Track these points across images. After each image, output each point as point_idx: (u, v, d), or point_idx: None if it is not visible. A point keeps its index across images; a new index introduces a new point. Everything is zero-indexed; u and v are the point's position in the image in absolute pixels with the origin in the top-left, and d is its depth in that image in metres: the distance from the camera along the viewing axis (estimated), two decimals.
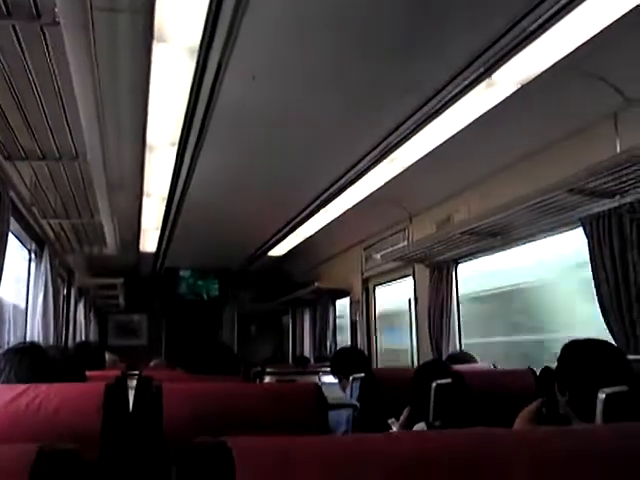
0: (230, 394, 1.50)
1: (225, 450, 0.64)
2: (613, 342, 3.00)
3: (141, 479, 1.42)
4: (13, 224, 3.56)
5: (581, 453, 0.76)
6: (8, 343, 4.19)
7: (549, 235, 3.91)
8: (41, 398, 1.33)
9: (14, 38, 2.01)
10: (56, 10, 1.77)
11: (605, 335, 3.04)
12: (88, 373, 1.97)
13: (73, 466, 0.73)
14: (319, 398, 1.46)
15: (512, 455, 0.74)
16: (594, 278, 3.20)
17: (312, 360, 7.66)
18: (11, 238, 3.44)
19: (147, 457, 1.40)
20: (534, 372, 2.68)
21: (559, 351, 1.90)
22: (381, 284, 6.63)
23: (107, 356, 5.16)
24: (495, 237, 4.06)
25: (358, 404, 1.99)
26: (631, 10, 2.38)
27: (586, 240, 3.26)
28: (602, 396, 1.68)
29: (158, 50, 2.72)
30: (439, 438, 0.76)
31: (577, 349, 1.88)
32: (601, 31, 2.54)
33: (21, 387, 1.36)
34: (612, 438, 0.81)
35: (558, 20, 2.50)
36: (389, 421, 2.73)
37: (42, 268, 4.58)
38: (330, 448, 0.69)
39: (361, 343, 6.69)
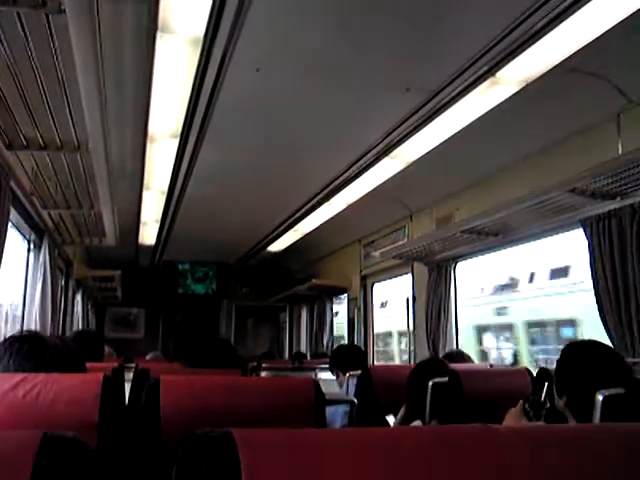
0: (228, 387, 1.50)
1: (230, 440, 0.64)
2: (611, 344, 3.01)
3: (139, 469, 1.42)
4: (13, 214, 3.55)
5: (578, 450, 0.76)
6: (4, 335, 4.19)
7: (549, 235, 3.91)
8: (39, 388, 1.33)
9: (18, 26, 2.00)
10: None
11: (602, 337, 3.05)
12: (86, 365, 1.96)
13: (76, 453, 0.73)
14: (317, 393, 1.46)
15: (511, 450, 0.74)
16: (593, 280, 3.20)
17: (309, 356, 7.68)
18: (10, 228, 3.43)
19: (144, 448, 1.40)
20: (530, 372, 2.69)
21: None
22: (379, 281, 6.64)
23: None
24: (496, 236, 4.06)
25: (356, 400, 1.99)
26: (635, 12, 2.37)
27: (586, 241, 3.26)
28: (600, 398, 1.69)
29: (162, 41, 2.71)
30: (443, 432, 0.76)
31: (577, 351, 1.89)
32: (605, 32, 2.54)
33: (19, 376, 1.36)
34: (609, 436, 0.82)
35: (562, 20, 2.50)
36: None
37: (41, 259, 4.58)
38: (334, 440, 0.69)
39: (358, 340, 6.69)
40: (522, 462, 0.73)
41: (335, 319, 8.00)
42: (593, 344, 1.90)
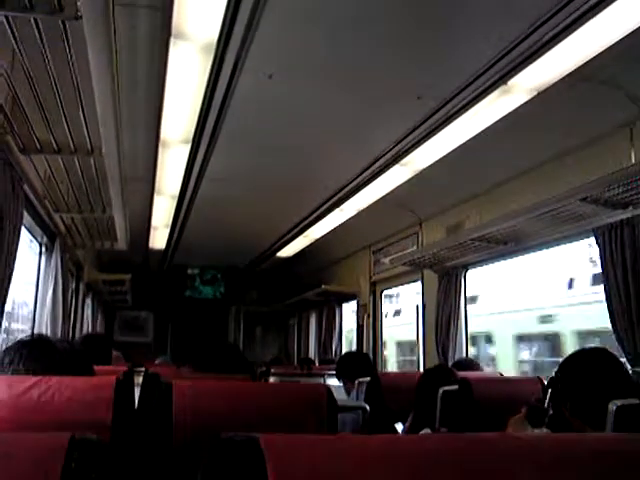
0: (241, 392, 1.50)
1: (256, 446, 0.64)
2: (622, 353, 2.99)
3: (151, 470, 1.42)
4: (25, 217, 3.58)
5: (586, 457, 0.76)
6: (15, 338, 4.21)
7: (561, 244, 3.90)
8: (53, 390, 1.34)
9: (35, 31, 2.02)
10: (78, 4, 1.78)
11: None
12: (95, 368, 1.97)
13: (101, 455, 0.74)
14: (330, 399, 1.46)
15: (521, 459, 0.74)
16: (605, 289, 3.18)
17: (317, 362, 7.67)
18: (23, 231, 3.46)
19: (156, 450, 1.41)
20: (541, 380, 2.67)
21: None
22: (389, 288, 6.63)
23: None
24: (506, 244, 4.05)
25: (368, 407, 1.98)
26: None
27: (598, 250, 3.25)
28: (613, 408, 1.67)
29: (175, 47, 2.74)
30: (458, 440, 0.76)
31: (582, 359, 1.88)
32: (619, 41, 2.53)
33: (33, 379, 1.37)
34: (617, 444, 0.81)
35: (575, 29, 2.50)
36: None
37: (52, 262, 4.60)
38: (362, 447, 0.69)
39: (367, 347, 6.68)
40: (535, 473, 0.73)
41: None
42: (598, 352, 1.90)
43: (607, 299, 3.17)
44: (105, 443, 0.77)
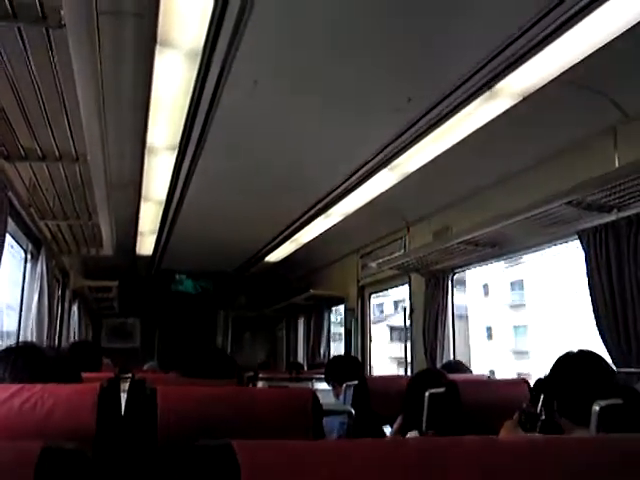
0: (226, 398, 1.50)
1: (230, 452, 0.64)
2: (607, 355, 3.02)
3: (135, 478, 1.42)
4: (10, 224, 3.56)
5: (578, 461, 0.77)
6: None
7: (546, 247, 3.93)
8: (35, 398, 1.33)
9: (18, 39, 2.01)
10: (62, 13, 1.78)
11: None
12: (82, 375, 1.96)
13: (76, 464, 0.73)
14: (315, 404, 1.47)
15: (513, 462, 0.75)
16: (590, 292, 3.21)
17: (305, 367, 7.66)
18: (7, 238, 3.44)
19: (141, 458, 1.40)
20: (528, 383, 2.69)
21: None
22: (377, 292, 6.64)
23: None
24: (493, 247, 4.08)
25: (353, 411, 1.99)
26: (633, 27, 2.40)
27: (583, 253, 3.28)
28: (597, 408, 1.70)
29: (160, 54, 2.73)
30: (443, 444, 0.76)
31: (569, 361, 1.91)
32: (603, 46, 2.56)
33: (14, 387, 1.36)
34: (607, 447, 0.82)
35: (559, 35, 2.52)
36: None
37: (38, 269, 4.57)
38: (337, 452, 0.70)
39: (355, 351, 6.68)
40: (523, 474, 0.74)
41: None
42: (585, 354, 1.93)
43: (592, 301, 3.19)
44: (84, 452, 0.76)
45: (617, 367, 2.95)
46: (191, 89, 3.08)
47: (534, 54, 2.67)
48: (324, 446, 0.75)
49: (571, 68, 2.75)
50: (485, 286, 30.90)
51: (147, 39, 2.61)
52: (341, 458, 0.68)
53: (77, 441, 0.88)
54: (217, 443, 0.66)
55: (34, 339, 4.27)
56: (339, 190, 4.91)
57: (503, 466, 0.75)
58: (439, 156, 3.89)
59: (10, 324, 4.72)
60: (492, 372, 3.85)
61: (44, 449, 0.71)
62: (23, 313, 4.51)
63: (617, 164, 3.09)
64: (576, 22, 2.42)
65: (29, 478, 0.68)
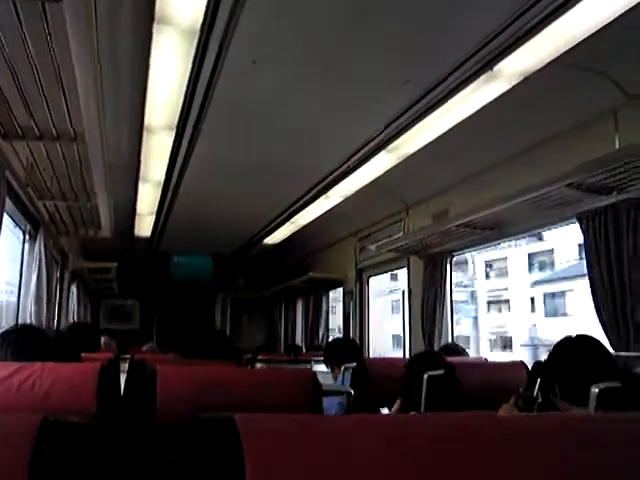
0: (225, 378, 1.50)
1: (232, 426, 0.64)
2: (605, 338, 3.03)
3: (135, 456, 1.42)
4: (8, 204, 3.54)
5: (578, 436, 0.78)
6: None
7: (546, 229, 3.92)
8: (35, 377, 1.33)
9: (14, 15, 1.99)
10: None
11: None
12: (82, 355, 1.96)
13: (78, 437, 0.73)
14: (315, 384, 1.47)
15: (513, 438, 0.75)
16: (589, 274, 3.21)
17: (304, 349, 7.69)
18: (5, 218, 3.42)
19: (141, 436, 1.40)
20: (525, 365, 2.70)
21: None
22: (375, 275, 6.64)
23: (102, 339, 5.16)
24: (492, 230, 4.07)
25: (352, 391, 2.00)
26: (634, 6, 2.37)
27: (582, 235, 3.27)
28: (595, 391, 1.71)
29: (158, 32, 2.70)
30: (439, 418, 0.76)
31: (568, 345, 1.93)
32: (603, 27, 2.54)
33: (14, 365, 1.35)
34: (607, 424, 0.83)
35: (559, 15, 2.50)
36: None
37: (36, 250, 4.56)
38: (336, 426, 0.70)
39: (353, 333, 6.70)
40: (525, 449, 0.74)
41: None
42: (584, 338, 1.95)
43: (591, 285, 3.19)
44: (86, 424, 0.76)
45: (615, 351, 2.96)
46: (189, 68, 3.05)
47: (534, 35, 2.65)
48: (324, 419, 0.75)
49: (572, 49, 2.73)
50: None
51: (145, 16, 2.58)
52: (341, 431, 0.68)
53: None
54: (219, 415, 0.66)
55: (33, 320, 4.27)
56: (338, 171, 4.89)
57: (503, 438, 0.75)
58: (439, 138, 3.88)
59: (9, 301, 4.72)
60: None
61: (44, 421, 0.71)
62: (22, 293, 4.51)
63: (617, 145, 3.07)
64: (575, 2, 2.40)
65: (28, 449, 0.68)
